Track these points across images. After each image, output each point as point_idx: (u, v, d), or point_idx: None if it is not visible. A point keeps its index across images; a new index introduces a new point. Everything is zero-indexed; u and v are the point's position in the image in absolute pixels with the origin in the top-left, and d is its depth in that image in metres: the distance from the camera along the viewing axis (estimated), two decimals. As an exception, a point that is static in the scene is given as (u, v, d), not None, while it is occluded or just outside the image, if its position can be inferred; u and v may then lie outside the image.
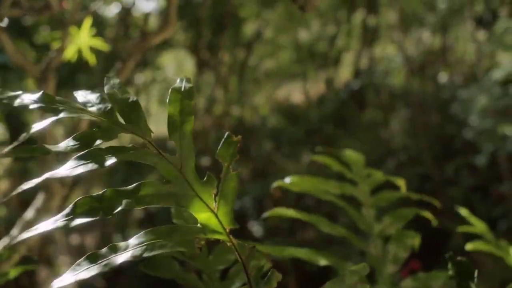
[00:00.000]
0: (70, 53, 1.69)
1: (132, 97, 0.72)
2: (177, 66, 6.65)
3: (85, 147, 0.62)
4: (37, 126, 0.62)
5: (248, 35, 6.40)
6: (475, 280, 0.71)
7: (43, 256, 4.43)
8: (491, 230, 1.10)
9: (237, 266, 0.82)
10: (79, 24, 1.70)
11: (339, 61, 6.72)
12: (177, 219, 0.83)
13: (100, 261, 0.56)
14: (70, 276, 0.53)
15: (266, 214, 1.01)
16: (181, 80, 0.76)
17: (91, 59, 1.76)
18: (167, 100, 0.73)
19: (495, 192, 4.10)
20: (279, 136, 5.55)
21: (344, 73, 7.13)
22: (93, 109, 0.69)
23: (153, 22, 5.89)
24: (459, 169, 4.40)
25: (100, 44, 1.76)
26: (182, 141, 0.68)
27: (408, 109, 5.51)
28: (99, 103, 0.70)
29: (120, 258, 0.57)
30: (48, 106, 0.66)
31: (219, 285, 0.79)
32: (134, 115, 0.70)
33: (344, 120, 5.70)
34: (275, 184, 1.05)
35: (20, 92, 0.67)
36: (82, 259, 0.55)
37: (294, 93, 7.36)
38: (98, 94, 0.72)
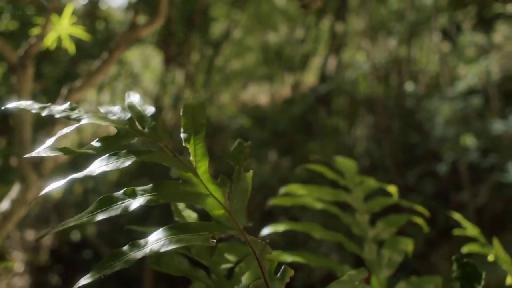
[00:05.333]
0: (49, 41, 1.63)
1: (149, 108, 0.76)
2: (143, 62, 6.54)
3: (108, 149, 0.67)
4: (62, 132, 0.67)
5: (217, 34, 6.37)
6: (483, 282, 0.71)
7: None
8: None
9: (240, 265, 0.84)
10: (56, 12, 1.65)
11: (306, 65, 6.77)
12: (177, 217, 0.85)
13: (122, 258, 0.58)
14: (95, 272, 0.56)
15: (265, 231, 1.03)
16: (194, 97, 0.79)
17: (71, 47, 1.71)
18: (181, 113, 0.76)
19: (455, 200, 4.22)
20: (245, 137, 5.52)
21: (310, 78, 7.19)
22: (114, 118, 0.74)
23: (120, 16, 5.78)
24: (421, 176, 4.51)
25: (80, 33, 1.71)
26: (196, 146, 0.73)
27: (372, 116, 5.60)
28: (120, 113, 0.76)
29: (139, 253, 0.59)
30: (72, 116, 0.71)
31: (227, 283, 0.79)
32: (151, 124, 0.74)
33: (309, 124, 5.74)
34: (271, 201, 1.06)
35: (49, 104, 0.73)
36: (106, 256, 0.58)
37: (260, 95, 7.37)
38: (119, 106, 0.78)
